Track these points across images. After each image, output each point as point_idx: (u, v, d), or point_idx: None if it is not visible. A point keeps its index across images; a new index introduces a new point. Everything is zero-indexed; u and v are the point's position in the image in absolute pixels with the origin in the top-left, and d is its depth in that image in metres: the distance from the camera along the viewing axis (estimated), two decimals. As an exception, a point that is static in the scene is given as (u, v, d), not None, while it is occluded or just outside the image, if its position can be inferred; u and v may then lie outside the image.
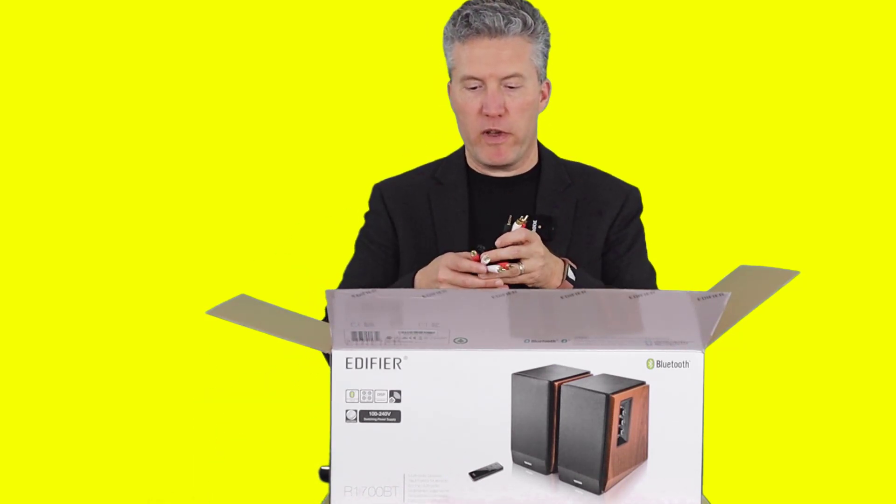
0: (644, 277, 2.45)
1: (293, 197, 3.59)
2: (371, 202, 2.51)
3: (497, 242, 2.17)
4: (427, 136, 3.36)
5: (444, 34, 2.39)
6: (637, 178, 2.53)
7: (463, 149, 2.50)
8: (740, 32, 3.60)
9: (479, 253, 2.17)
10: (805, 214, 3.60)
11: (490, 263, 2.16)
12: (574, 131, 3.13)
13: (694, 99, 3.61)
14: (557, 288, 2.23)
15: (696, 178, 3.59)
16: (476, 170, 2.47)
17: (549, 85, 2.43)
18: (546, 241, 2.24)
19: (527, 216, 2.20)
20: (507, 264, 2.16)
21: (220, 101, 3.60)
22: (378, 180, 2.53)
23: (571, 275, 2.25)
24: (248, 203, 3.60)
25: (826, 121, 3.61)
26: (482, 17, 2.32)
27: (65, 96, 3.59)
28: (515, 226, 2.18)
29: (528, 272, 2.17)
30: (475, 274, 2.16)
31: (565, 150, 2.53)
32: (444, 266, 2.19)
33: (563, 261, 2.25)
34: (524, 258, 2.17)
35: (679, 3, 3.61)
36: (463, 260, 2.17)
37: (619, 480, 1.91)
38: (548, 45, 2.40)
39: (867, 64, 3.60)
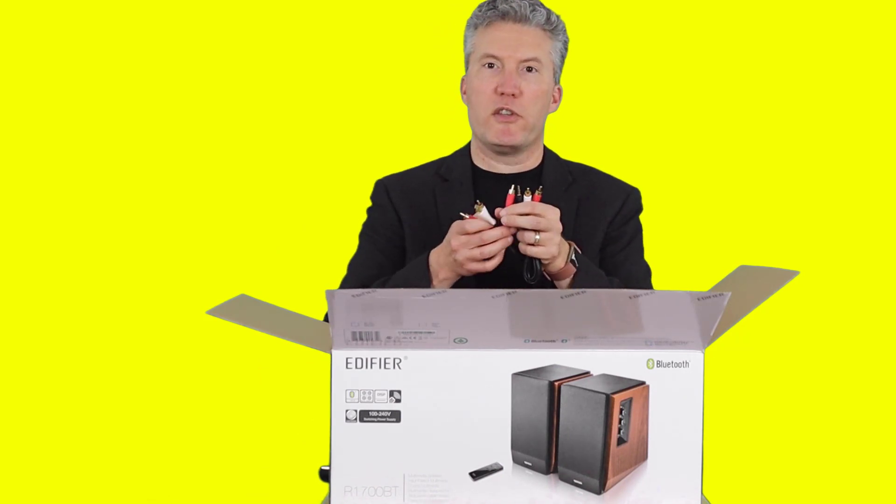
0: (640, 275, 2.46)
1: (293, 196, 3.59)
2: (374, 197, 2.51)
3: (509, 209, 2.17)
4: (426, 137, 3.36)
5: (468, 24, 2.44)
6: (638, 179, 2.54)
7: (467, 146, 2.50)
8: (739, 33, 3.60)
9: (477, 209, 2.17)
10: (805, 214, 3.61)
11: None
12: (576, 132, 3.13)
13: (694, 100, 3.61)
14: (561, 269, 2.23)
15: (696, 179, 3.60)
16: (482, 167, 2.47)
17: (560, 90, 2.46)
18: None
19: (541, 187, 2.20)
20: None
21: (219, 102, 3.60)
22: (377, 179, 2.53)
23: (574, 256, 2.25)
24: (249, 203, 3.60)
25: (826, 121, 3.61)
26: (509, 2, 2.38)
27: (65, 97, 3.59)
28: (527, 198, 2.18)
29: (543, 244, 2.17)
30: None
31: (567, 151, 2.53)
32: (455, 234, 2.20)
33: (570, 243, 2.25)
34: (543, 230, 2.17)
35: (677, 5, 3.61)
36: (469, 222, 2.18)
37: (619, 480, 1.91)
38: (566, 48, 2.43)
39: (867, 64, 3.60)
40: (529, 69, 2.37)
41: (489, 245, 2.18)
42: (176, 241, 3.58)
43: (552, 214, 2.18)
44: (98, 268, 3.59)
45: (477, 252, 2.18)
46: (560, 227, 2.19)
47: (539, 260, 2.20)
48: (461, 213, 2.22)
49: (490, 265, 2.20)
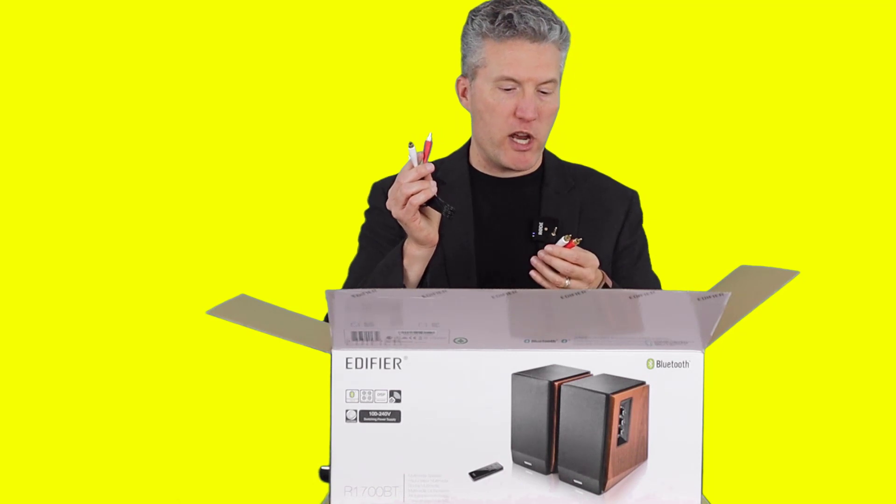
0: (651, 281, 2.47)
1: (293, 197, 3.59)
2: (372, 199, 2.50)
3: (551, 250, 2.17)
4: (426, 135, 3.36)
5: (474, 29, 2.35)
6: (637, 179, 2.54)
7: (464, 148, 2.49)
8: (740, 31, 3.60)
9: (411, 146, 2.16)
10: (805, 214, 3.61)
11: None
12: (575, 131, 3.13)
13: (694, 99, 3.61)
14: None
15: (695, 179, 3.60)
16: (480, 169, 2.46)
17: None
18: (551, 242, 2.25)
19: (581, 239, 2.20)
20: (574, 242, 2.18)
21: (220, 102, 3.60)
22: (376, 179, 2.53)
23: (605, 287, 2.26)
24: (249, 203, 3.60)
25: (826, 121, 3.61)
26: (526, 20, 2.31)
27: (65, 96, 3.59)
28: (562, 241, 2.19)
29: (571, 288, 2.18)
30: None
31: (566, 151, 2.53)
32: (392, 200, 2.18)
33: (603, 274, 2.25)
34: (576, 278, 2.17)
35: (676, 4, 3.62)
36: (404, 173, 2.16)
37: (619, 480, 1.91)
38: (566, 55, 2.40)
39: (867, 64, 3.60)
40: (545, 91, 2.34)
41: (406, 185, 2.14)
42: (176, 241, 3.59)
43: (588, 266, 2.18)
44: (98, 268, 3.59)
45: (399, 194, 2.16)
46: (591, 278, 2.19)
47: None
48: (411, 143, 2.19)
49: (414, 201, 2.15)
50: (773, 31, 3.61)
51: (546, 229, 2.36)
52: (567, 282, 2.17)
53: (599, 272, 2.24)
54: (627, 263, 2.44)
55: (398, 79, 3.58)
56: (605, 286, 2.25)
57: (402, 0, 3.59)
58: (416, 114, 3.51)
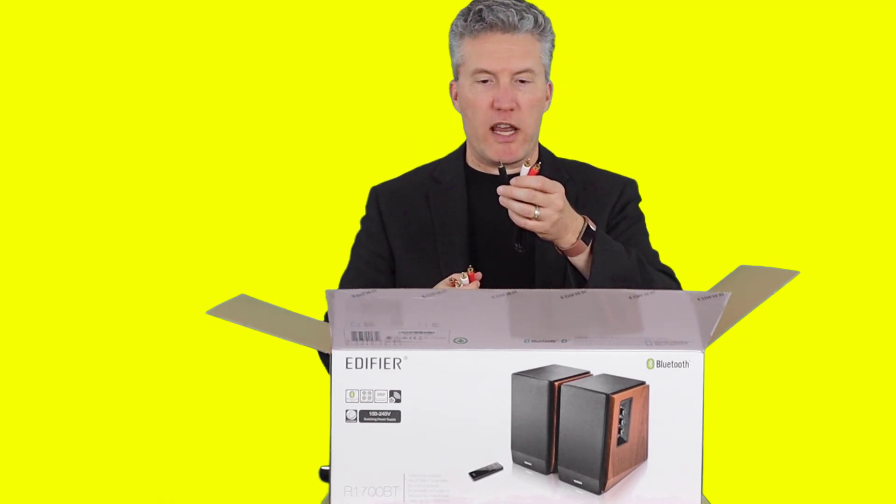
0: (650, 253, 2.43)
1: (293, 197, 3.59)
2: (367, 206, 2.51)
3: (515, 181, 2.15)
4: (427, 136, 3.36)
5: (453, 31, 2.39)
6: (637, 178, 2.53)
7: (461, 148, 2.50)
8: (741, 32, 3.60)
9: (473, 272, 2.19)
10: (805, 214, 3.60)
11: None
12: (574, 132, 3.13)
13: (693, 99, 3.60)
14: (572, 245, 2.19)
15: (695, 179, 3.59)
16: (476, 168, 2.46)
17: (551, 86, 2.43)
18: None
19: (539, 162, 2.18)
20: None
21: (220, 102, 3.60)
22: (377, 180, 2.53)
23: (590, 230, 2.21)
24: (248, 204, 3.60)
25: (826, 121, 3.61)
26: (496, 13, 2.33)
27: (65, 96, 3.59)
28: (524, 169, 2.17)
29: (541, 220, 2.14)
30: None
31: (565, 151, 2.53)
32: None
33: (584, 218, 2.22)
34: (541, 205, 2.14)
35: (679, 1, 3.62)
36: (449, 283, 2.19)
37: (619, 480, 1.91)
38: (553, 45, 2.41)
39: (867, 64, 3.60)
40: (523, 80, 2.35)
41: None
42: (176, 241, 3.58)
43: (554, 192, 2.15)
44: (99, 268, 3.58)
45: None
46: (560, 204, 2.15)
47: (533, 233, 2.18)
48: (454, 274, 2.22)
49: None
50: (772, 32, 3.60)
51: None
52: (536, 211, 2.14)
53: (580, 217, 2.20)
54: (618, 232, 2.41)
55: (400, 79, 3.58)
56: (588, 228, 2.20)
57: (407, 3, 3.59)
58: (417, 115, 3.51)
